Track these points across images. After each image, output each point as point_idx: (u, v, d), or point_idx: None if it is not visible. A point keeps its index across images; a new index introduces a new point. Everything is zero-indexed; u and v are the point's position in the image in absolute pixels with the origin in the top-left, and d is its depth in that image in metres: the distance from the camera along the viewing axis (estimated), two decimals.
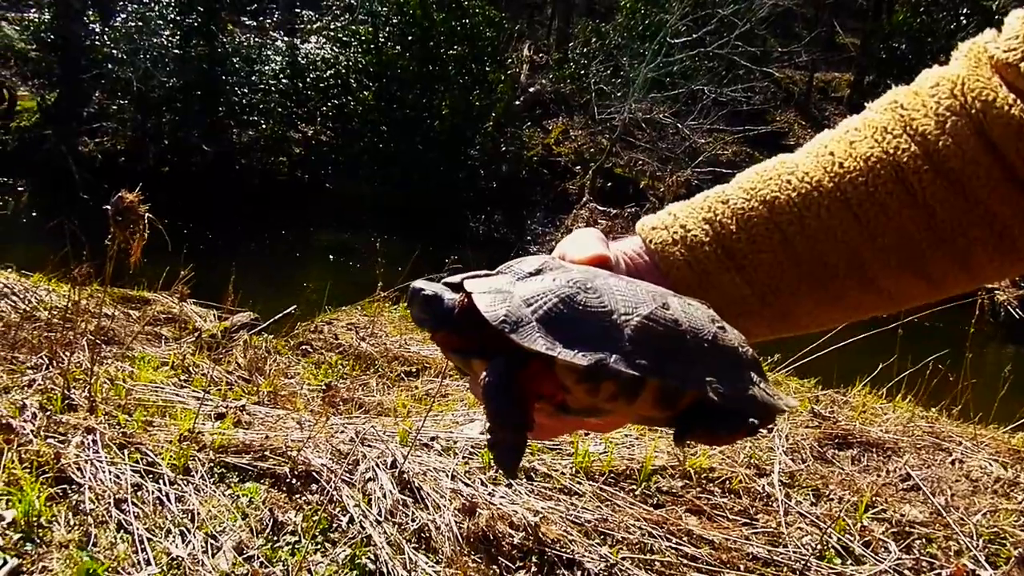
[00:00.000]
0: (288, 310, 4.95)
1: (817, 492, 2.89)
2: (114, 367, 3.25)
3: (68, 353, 3.02)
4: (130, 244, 2.72)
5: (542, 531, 2.37)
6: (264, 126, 15.29)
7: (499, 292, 0.70)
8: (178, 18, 14.82)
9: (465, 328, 0.72)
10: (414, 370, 4.44)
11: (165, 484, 2.35)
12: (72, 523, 2.14)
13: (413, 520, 2.37)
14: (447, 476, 2.56)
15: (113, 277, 3.04)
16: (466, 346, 0.73)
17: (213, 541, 2.19)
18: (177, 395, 3.06)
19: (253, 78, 15.34)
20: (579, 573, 2.30)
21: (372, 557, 2.23)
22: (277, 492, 2.45)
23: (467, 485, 2.51)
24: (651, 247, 0.87)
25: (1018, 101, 0.77)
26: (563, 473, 2.72)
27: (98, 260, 3.10)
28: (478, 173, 15.62)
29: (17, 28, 15.61)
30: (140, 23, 14.78)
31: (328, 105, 15.90)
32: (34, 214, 12.30)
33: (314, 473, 2.52)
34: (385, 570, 2.19)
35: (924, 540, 2.65)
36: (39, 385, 2.82)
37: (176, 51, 14.76)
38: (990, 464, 3.20)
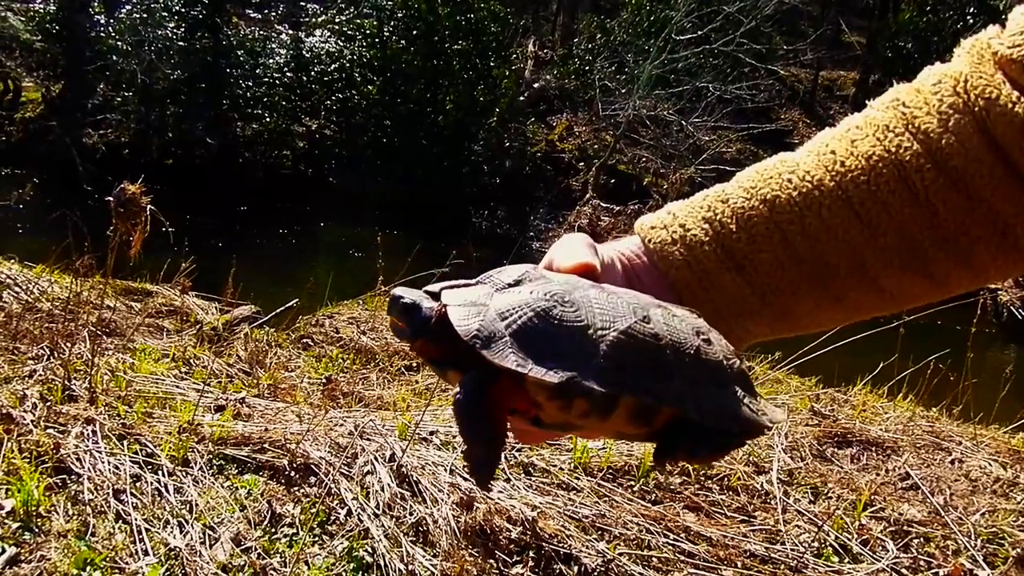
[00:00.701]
0: (290, 304, 4.96)
1: (816, 490, 2.89)
2: (115, 358, 3.25)
3: (69, 344, 3.03)
4: (132, 236, 2.73)
5: (540, 526, 2.37)
6: (268, 119, 15.30)
7: (474, 305, 0.69)
8: (183, 10, 14.82)
9: (442, 338, 0.71)
10: (414, 365, 4.44)
11: (164, 475, 2.35)
12: (71, 513, 2.15)
13: (411, 513, 2.37)
14: (445, 470, 2.56)
15: (115, 269, 3.05)
16: (443, 356, 0.72)
17: (211, 532, 2.19)
18: (177, 387, 3.06)
19: (257, 71, 15.35)
20: (576, 568, 2.30)
21: (369, 550, 2.23)
22: (275, 484, 2.46)
23: (465, 479, 2.51)
24: (650, 246, 0.86)
25: (1022, 98, 0.76)
26: (561, 468, 2.73)
27: (100, 252, 3.11)
28: (481, 169, 15.61)
29: (23, 19, 15.60)
30: (145, 15, 14.77)
31: (332, 99, 15.90)
32: (38, 205, 12.31)
33: (313, 466, 2.52)
34: (382, 563, 2.19)
35: (922, 539, 2.65)
36: (40, 376, 2.82)
37: (180, 43, 14.77)
38: (990, 464, 3.20)
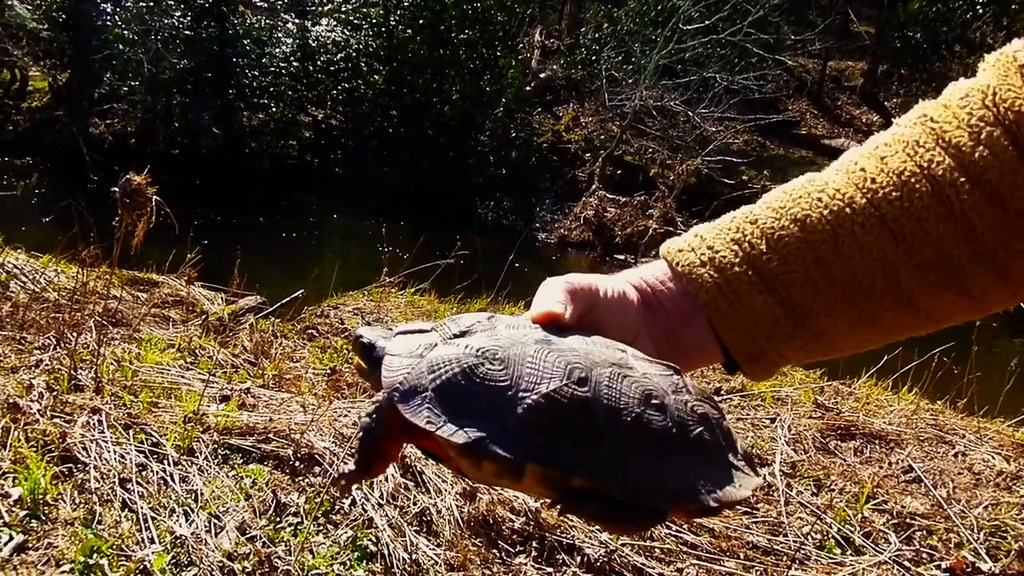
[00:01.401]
0: (295, 294, 4.96)
1: (818, 482, 2.90)
2: (121, 348, 3.27)
3: (75, 334, 3.05)
4: (137, 226, 2.74)
5: (542, 516, 2.38)
6: (274, 109, 15.29)
7: (410, 356, 0.70)
8: None
9: None
10: None
11: (169, 464, 2.37)
12: (77, 501, 2.17)
13: (414, 503, 2.39)
14: None
15: (121, 259, 3.06)
16: None
17: (216, 521, 2.21)
18: (183, 377, 3.08)
19: (264, 60, 15.33)
20: (579, 559, 2.32)
21: (373, 539, 2.25)
22: (280, 474, 2.48)
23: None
24: (678, 270, 0.85)
25: None
26: None
27: (106, 242, 3.12)
28: (487, 159, 15.58)
29: (29, 7, 15.60)
30: (151, 4, 14.75)
31: (338, 88, 15.87)
32: (44, 195, 12.35)
33: (317, 456, 2.54)
34: (386, 552, 2.21)
35: (925, 532, 2.65)
36: (46, 365, 2.84)
37: (187, 32, 14.75)
38: (993, 457, 3.20)
